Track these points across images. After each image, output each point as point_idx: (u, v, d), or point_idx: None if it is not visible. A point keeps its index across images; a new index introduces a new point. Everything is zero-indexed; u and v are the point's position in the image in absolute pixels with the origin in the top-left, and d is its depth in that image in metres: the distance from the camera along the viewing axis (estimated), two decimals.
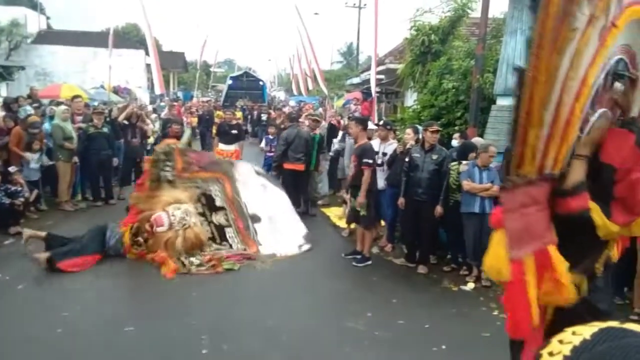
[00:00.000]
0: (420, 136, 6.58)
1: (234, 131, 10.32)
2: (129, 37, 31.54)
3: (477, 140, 7.13)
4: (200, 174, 7.09)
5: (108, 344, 4.06)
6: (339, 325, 4.61)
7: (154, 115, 14.34)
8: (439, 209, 6.02)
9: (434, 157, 6.14)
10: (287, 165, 8.48)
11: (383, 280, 5.94)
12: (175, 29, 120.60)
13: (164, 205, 6.23)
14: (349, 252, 6.63)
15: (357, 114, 14.19)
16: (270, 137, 10.25)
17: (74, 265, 5.62)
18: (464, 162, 6.11)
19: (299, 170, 8.45)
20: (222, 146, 10.20)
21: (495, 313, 4.97)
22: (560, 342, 1.07)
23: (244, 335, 4.28)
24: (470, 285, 5.76)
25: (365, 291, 5.56)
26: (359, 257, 6.45)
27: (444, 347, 4.23)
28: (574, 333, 1.07)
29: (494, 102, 7.80)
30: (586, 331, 1.04)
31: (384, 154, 7.07)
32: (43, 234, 6.17)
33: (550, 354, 1.06)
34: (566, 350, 1.02)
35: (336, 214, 8.67)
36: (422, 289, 5.72)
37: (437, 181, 6.09)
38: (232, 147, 10.18)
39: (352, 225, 7.18)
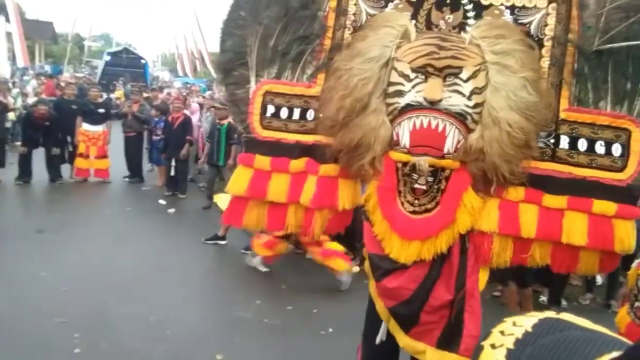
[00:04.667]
0: None
1: (101, 110, 9.36)
2: None
3: None
4: None
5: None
6: (227, 315, 4.50)
7: (15, 90, 12.80)
8: None
9: None
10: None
11: (271, 267, 5.90)
12: None
13: None
14: (209, 237, 6.52)
15: None
16: (156, 119, 9.32)
17: None
18: None
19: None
20: (86, 126, 9.13)
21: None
22: (502, 333, 1.01)
23: (123, 332, 3.98)
24: (356, 269, 5.92)
25: (253, 279, 5.49)
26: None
27: (330, 330, 4.31)
28: (514, 324, 1.02)
29: None
30: (526, 322, 1.01)
31: None
32: None
33: (493, 346, 1.00)
34: (509, 342, 0.98)
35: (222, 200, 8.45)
36: (310, 273, 5.77)
37: None
38: (99, 128, 9.25)
39: None
